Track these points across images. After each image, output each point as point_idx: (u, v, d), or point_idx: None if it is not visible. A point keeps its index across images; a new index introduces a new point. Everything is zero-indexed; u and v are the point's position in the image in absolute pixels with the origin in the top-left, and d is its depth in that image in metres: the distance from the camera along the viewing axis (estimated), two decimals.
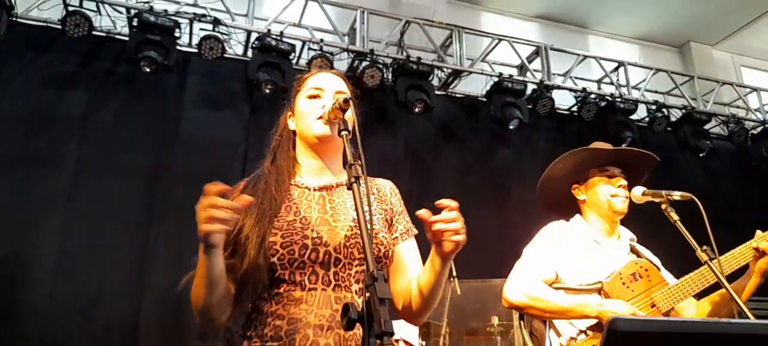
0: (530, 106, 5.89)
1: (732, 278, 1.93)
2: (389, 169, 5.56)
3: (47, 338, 4.02)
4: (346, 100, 1.33)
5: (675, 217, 1.74)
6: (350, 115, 1.40)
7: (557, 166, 2.26)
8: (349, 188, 1.13)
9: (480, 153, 5.93)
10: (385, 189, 1.60)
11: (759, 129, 6.78)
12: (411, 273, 1.48)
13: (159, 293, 4.39)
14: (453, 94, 6.08)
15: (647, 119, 6.35)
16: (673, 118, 6.47)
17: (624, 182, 2.13)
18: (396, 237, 1.51)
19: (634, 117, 6.32)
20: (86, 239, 4.32)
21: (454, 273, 3.57)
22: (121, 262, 4.35)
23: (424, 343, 3.80)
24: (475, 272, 4.11)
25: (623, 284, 1.95)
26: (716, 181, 6.80)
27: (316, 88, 1.54)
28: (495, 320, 4.11)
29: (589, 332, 1.89)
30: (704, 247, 1.64)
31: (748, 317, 1.47)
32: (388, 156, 5.66)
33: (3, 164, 4.25)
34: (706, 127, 6.67)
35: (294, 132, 1.57)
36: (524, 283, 2.00)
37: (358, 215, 1.09)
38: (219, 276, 1.27)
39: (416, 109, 5.29)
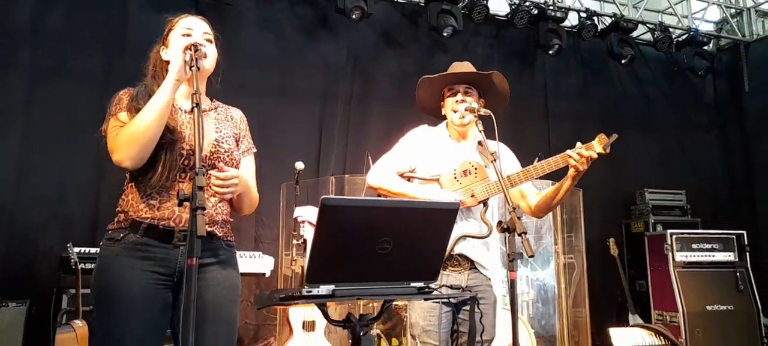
0: (465, 13, 6.20)
1: (561, 174, 2.45)
2: (331, 75, 5.97)
3: (14, 230, 4.53)
4: (195, 48, 1.79)
5: (480, 128, 2.24)
6: (213, 54, 1.97)
7: (422, 94, 2.76)
8: (189, 113, 1.60)
9: (419, 59, 6.29)
10: (236, 117, 2.09)
11: (684, 36, 7.21)
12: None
13: (114, 188, 4.86)
14: (395, 0, 6.35)
15: (578, 27, 6.72)
16: (603, 26, 6.85)
17: (461, 98, 2.61)
18: (241, 153, 2.04)
19: (567, 24, 6.71)
20: (46, 141, 4.70)
21: (371, 165, 4.09)
22: (80, 161, 4.73)
23: None
24: None
25: (455, 178, 2.50)
26: (641, 86, 7.33)
27: (188, 28, 1.97)
28: None
29: None
30: (492, 151, 2.12)
31: (509, 202, 1.98)
32: (330, 62, 6.01)
33: None
34: (637, 34, 7.09)
35: (167, 62, 1.96)
36: (380, 170, 2.58)
37: (195, 133, 1.56)
38: (168, 109, 1.78)
39: (353, 16, 5.58)
